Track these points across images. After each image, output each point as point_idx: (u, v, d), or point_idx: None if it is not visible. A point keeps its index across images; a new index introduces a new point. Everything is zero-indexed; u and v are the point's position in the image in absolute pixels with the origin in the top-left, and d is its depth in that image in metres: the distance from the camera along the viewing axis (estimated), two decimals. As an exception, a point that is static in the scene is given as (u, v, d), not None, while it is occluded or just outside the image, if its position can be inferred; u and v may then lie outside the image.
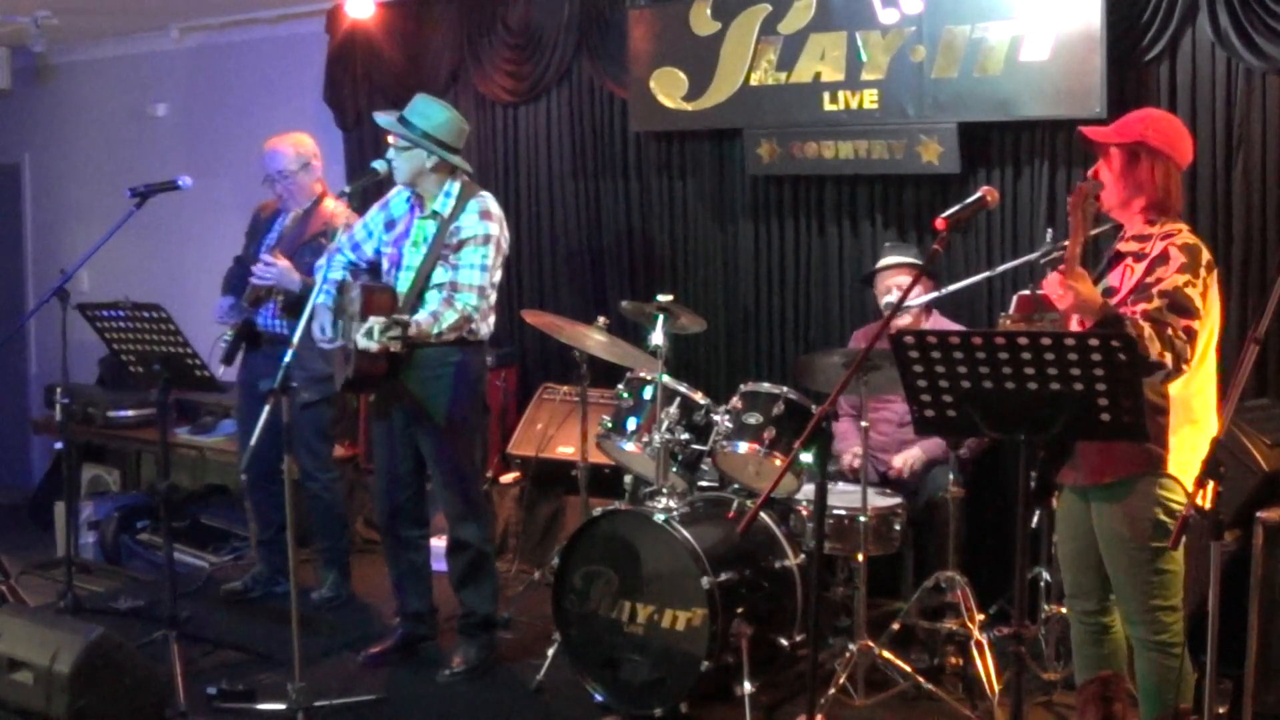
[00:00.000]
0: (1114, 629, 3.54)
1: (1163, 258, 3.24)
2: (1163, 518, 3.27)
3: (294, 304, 5.04)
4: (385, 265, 4.63)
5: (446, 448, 4.55)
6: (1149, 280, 3.22)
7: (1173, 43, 4.60)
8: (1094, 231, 3.66)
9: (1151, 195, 3.35)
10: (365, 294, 4.38)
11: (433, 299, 4.46)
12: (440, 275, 4.47)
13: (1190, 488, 3.29)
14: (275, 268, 5.05)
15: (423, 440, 4.57)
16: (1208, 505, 3.11)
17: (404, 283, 4.52)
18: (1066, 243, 3.72)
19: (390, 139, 4.51)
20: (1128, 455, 3.26)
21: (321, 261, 4.66)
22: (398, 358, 4.36)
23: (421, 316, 4.35)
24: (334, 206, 5.26)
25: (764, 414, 4.47)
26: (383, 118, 4.54)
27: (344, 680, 4.52)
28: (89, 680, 3.78)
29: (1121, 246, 3.39)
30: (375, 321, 4.11)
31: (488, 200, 4.56)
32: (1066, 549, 3.56)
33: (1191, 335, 3.16)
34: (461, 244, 4.45)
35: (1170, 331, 3.12)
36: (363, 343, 4.13)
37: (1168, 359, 3.10)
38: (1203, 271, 3.23)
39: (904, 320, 4.72)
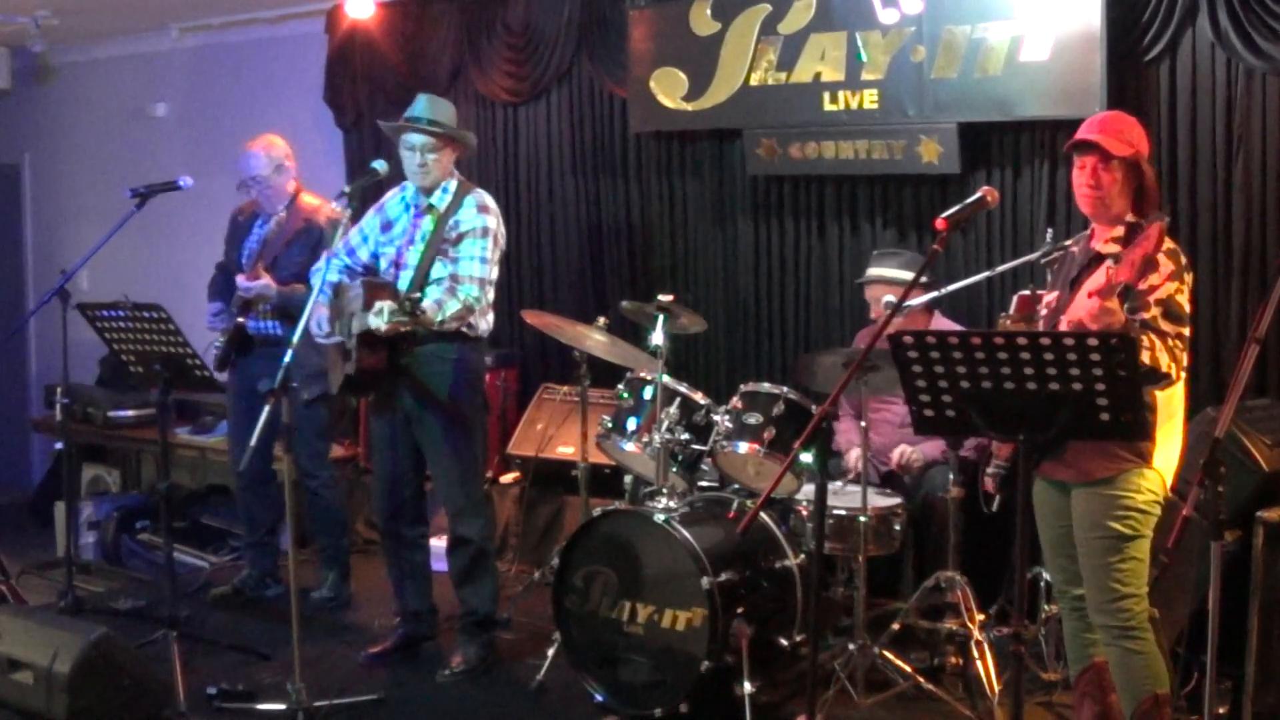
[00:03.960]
0: None
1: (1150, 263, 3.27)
2: (1143, 506, 3.33)
3: (281, 306, 5.11)
4: (384, 265, 4.63)
5: (447, 443, 4.54)
6: (1142, 288, 3.25)
7: (1173, 43, 4.60)
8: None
9: (1152, 200, 3.41)
10: (367, 289, 4.38)
11: (434, 293, 4.46)
12: (439, 270, 4.48)
13: (1170, 480, 3.35)
14: (254, 286, 5.10)
15: (423, 436, 4.57)
16: (1173, 495, 3.25)
17: (404, 280, 4.52)
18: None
19: (415, 146, 4.44)
20: (1119, 452, 3.31)
21: (320, 264, 4.65)
22: (397, 352, 4.37)
23: (426, 303, 4.34)
24: (311, 201, 5.26)
25: (764, 414, 4.47)
26: (415, 135, 4.46)
27: (344, 680, 4.52)
28: (89, 680, 3.79)
29: (1100, 248, 3.39)
30: (384, 304, 4.13)
31: (484, 195, 4.58)
32: (1050, 536, 3.58)
33: (1185, 342, 3.24)
34: (460, 237, 4.46)
35: (1170, 341, 3.19)
36: (373, 322, 4.14)
37: (1173, 370, 3.18)
38: (1185, 275, 3.31)
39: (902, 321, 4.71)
